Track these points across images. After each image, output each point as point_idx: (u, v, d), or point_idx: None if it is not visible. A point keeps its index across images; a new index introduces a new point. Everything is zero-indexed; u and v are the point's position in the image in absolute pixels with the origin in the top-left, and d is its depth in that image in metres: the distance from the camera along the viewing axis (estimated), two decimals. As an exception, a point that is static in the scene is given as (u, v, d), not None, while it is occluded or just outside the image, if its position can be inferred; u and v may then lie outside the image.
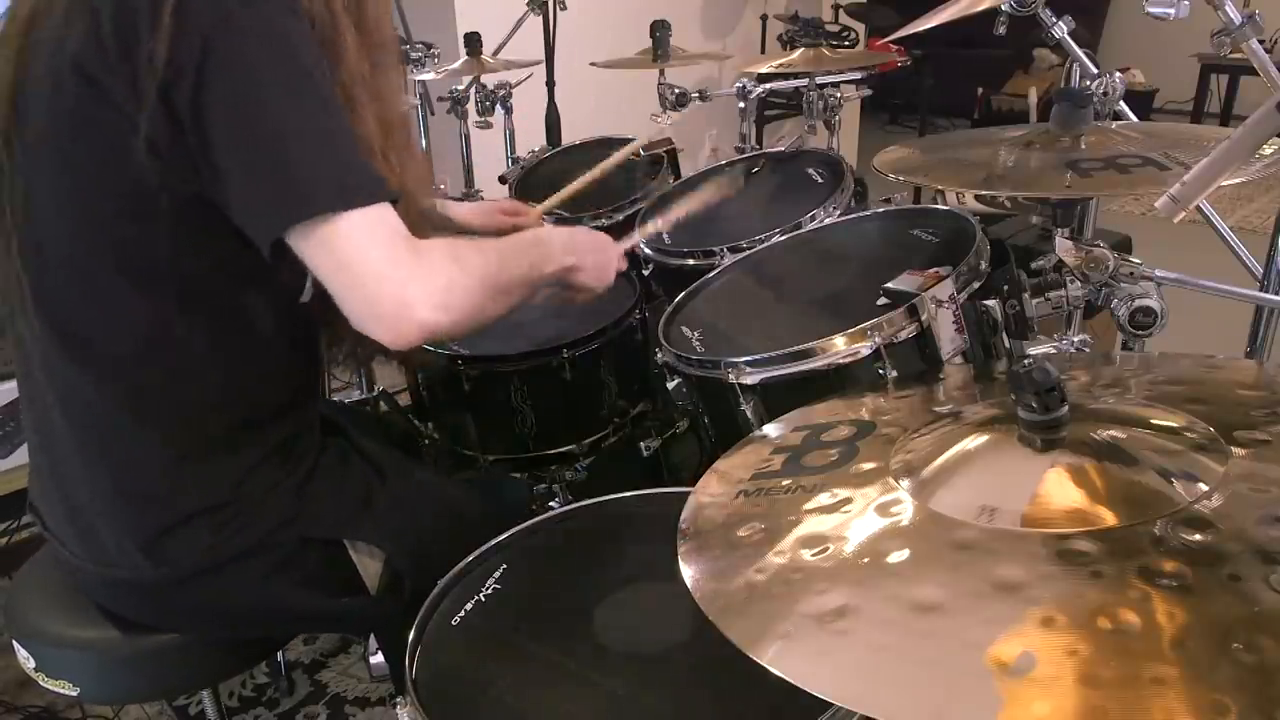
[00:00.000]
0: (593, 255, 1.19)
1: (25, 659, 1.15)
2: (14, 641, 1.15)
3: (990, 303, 1.12)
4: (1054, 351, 1.17)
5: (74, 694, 1.13)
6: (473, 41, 2.44)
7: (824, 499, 0.80)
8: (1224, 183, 0.84)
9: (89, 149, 0.93)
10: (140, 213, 0.93)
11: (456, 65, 2.46)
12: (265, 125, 0.88)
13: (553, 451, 1.59)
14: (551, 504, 1.61)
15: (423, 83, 2.58)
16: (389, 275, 0.90)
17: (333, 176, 0.90)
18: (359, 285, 0.90)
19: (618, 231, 1.89)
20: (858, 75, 2.30)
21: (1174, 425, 0.78)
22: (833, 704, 0.71)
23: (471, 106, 2.54)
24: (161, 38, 0.85)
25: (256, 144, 0.89)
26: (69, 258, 0.98)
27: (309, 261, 0.91)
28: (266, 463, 1.08)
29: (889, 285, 1.17)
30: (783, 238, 1.50)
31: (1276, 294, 1.50)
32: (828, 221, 1.53)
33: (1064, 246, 1.16)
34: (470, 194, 2.53)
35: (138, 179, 0.91)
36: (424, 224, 1.10)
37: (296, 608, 1.15)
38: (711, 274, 1.46)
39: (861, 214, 1.50)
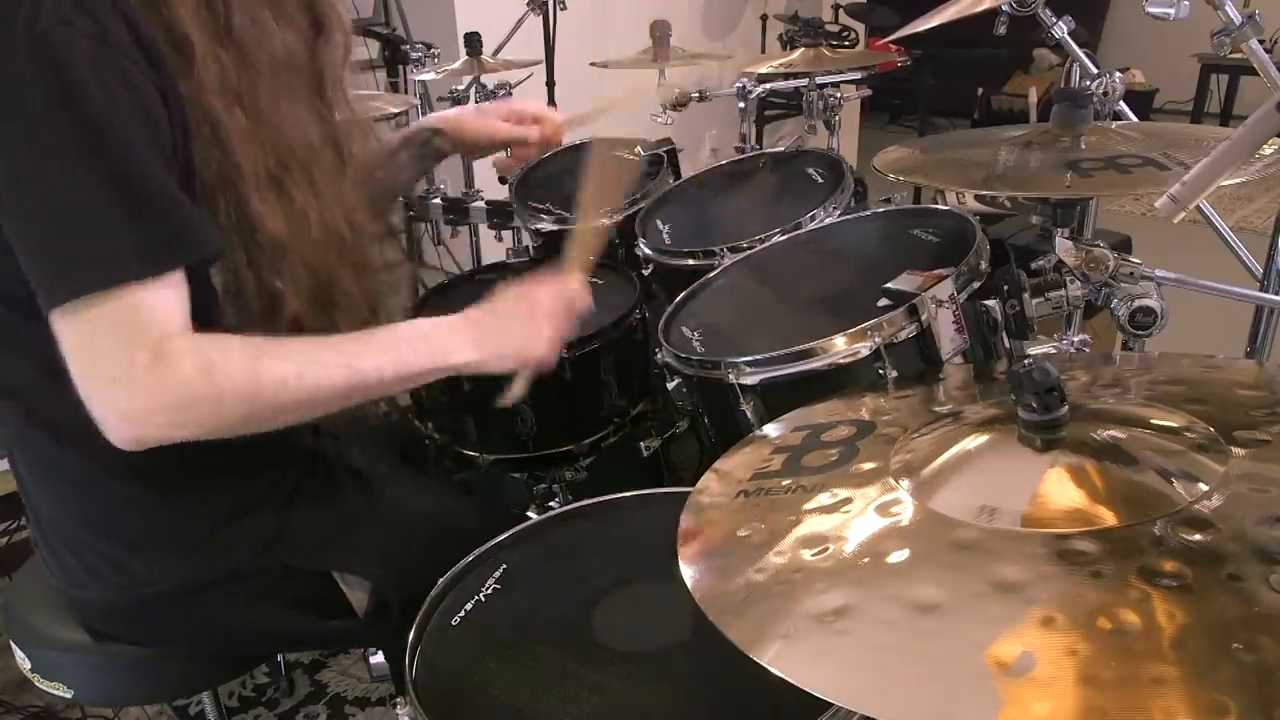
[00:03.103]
0: (512, 345, 1.02)
1: (21, 660, 1.15)
2: (11, 642, 1.15)
3: (990, 303, 1.12)
4: (1054, 351, 1.17)
5: (68, 696, 1.13)
6: (473, 41, 2.44)
7: (824, 499, 0.80)
8: (1224, 183, 0.84)
9: None
10: None
11: (456, 65, 2.46)
12: (29, 183, 0.81)
13: (553, 451, 1.58)
14: (551, 504, 1.61)
15: (423, 83, 2.58)
16: (118, 380, 0.81)
17: (87, 255, 0.81)
18: (88, 384, 0.82)
19: (619, 230, 1.91)
20: (858, 75, 2.30)
21: (1174, 425, 0.78)
22: (833, 704, 0.71)
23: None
24: None
25: (24, 203, 0.82)
26: None
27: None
28: (235, 487, 1.04)
29: (889, 285, 1.17)
30: (783, 238, 1.50)
31: (1276, 294, 1.50)
32: (828, 221, 1.53)
33: (1064, 246, 1.16)
34: (470, 194, 2.53)
35: None
36: (349, 262, 1.02)
37: (280, 630, 1.13)
38: (711, 274, 1.46)
39: (861, 214, 1.50)
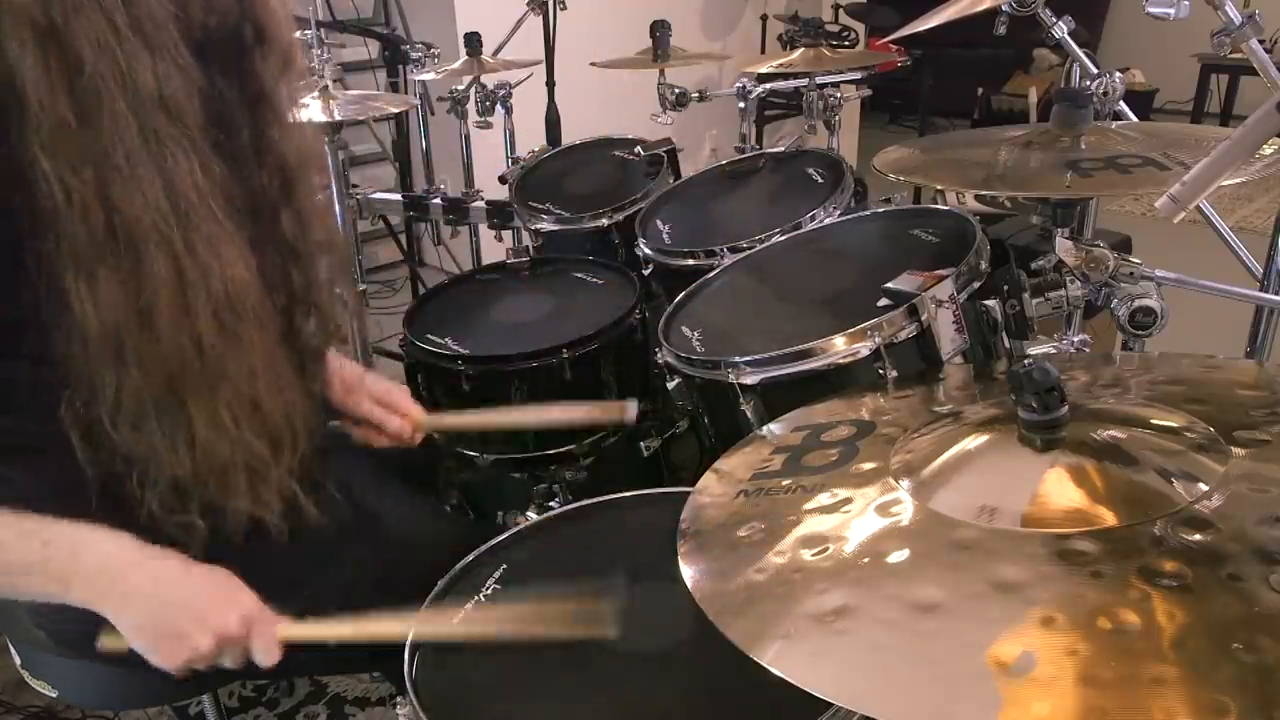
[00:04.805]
0: (167, 631, 0.87)
1: (14, 656, 1.16)
2: (7, 640, 1.16)
3: (990, 303, 1.12)
4: (1054, 351, 1.17)
5: (53, 695, 1.14)
6: (473, 41, 2.44)
7: (824, 499, 0.80)
8: (1224, 183, 0.84)
9: None
10: None
11: (456, 65, 2.46)
12: None
13: (553, 451, 1.59)
14: (551, 504, 1.61)
15: (423, 83, 2.58)
16: None
17: None
18: None
19: (619, 230, 1.91)
20: (858, 75, 2.31)
21: (1174, 425, 0.78)
22: (833, 704, 0.71)
23: (471, 106, 2.54)
24: None
25: None
26: None
27: None
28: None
29: (889, 285, 1.17)
30: (783, 238, 1.50)
31: (1276, 294, 1.50)
32: (828, 221, 1.53)
33: (1064, 246, 1.16)
34: (470, 194, 2.53)
35: None
36: (233, 336, 0.88)
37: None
38: (711, 274, 1.46)
39: (861, 214, 1.50)
